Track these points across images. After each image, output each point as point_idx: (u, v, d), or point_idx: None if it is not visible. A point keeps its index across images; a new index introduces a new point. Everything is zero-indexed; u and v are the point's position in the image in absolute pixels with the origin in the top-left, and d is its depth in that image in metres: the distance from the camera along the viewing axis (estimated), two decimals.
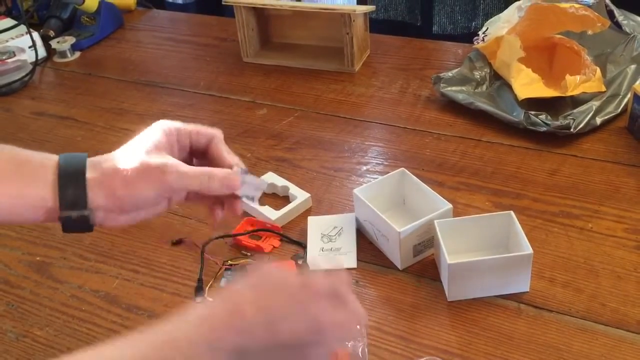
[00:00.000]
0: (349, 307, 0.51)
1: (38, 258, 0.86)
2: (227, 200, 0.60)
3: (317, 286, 0.50)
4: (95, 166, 0.54)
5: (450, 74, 1.11)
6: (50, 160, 0.54)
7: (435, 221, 0.76)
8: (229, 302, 0.49)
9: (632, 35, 1.10)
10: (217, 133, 0.62)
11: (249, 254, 0.83)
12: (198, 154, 0.61)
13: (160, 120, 0.60)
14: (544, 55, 1.11)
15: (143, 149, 0.56)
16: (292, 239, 0.84)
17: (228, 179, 0.57)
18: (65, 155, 0.55)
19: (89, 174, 0.53)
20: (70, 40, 1.40)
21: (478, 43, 1.15)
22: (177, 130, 0.59)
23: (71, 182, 0.53)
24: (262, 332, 0.47)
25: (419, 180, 0.83)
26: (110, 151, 0.57)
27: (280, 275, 0.51)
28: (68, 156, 0.54)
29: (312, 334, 0.49)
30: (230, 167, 0.60)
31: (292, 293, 0.49)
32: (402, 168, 0.86)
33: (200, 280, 0.79)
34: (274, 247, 0.84)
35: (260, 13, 1.30)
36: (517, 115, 0.99)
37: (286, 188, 0.92)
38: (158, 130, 0.58)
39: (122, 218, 0.56)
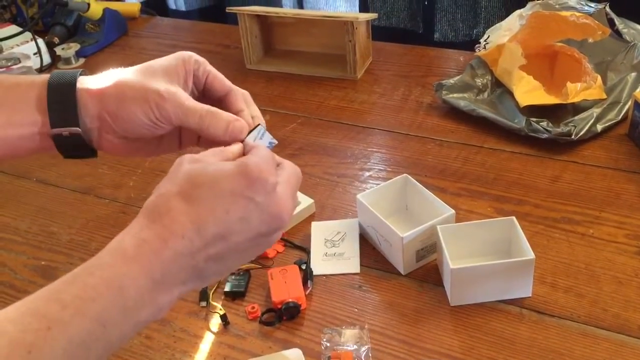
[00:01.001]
0: (284, 172, 0.48)
1: (43, 262, 0.87)
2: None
3: (252, 173, 0.45)
4: (89, 81, 0.50)
5: (452, 81, 1.12)
6: (40, 79, 0.50)
7: (438, 226, 0.76)
8: (164, 226, 0.44)
9: (632, 43, 1.11)
10: (238, 89, 0.55)
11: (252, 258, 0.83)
12: (210, 102, 0.53)
13: (185, 51, 0.54)
14: (545, 63, 1.12)
15: (149, 70, 0.51)
16: (296, 244, 0.85)
17: (234, 125, 0.50)
18: (56, 72, 0.51)
19: (82, 87, 0.49)
20: (74, 47, 1.41)
21: (479, 50, 1.16)
22: (197, 63, 0.53)
23: (61, 97, 0.49)
24: (220, 248, 0.44)
25: (421, 186, 0.84)
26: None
27: (211, 174, 0.46)
28: (59, 72, 0.50)
29: (271, 230, 0.47)
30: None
31: (230, 191, 0.45)
32: (405, 174, 0.86)
33: None
34: (278, 252, 0.84)
35: (263, 20, 1.31)
36: (519, 122, 1.00)
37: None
38: (176, 56, 0.52)
39: (119, 142, 0.51)
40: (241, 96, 0.54)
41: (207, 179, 0.45)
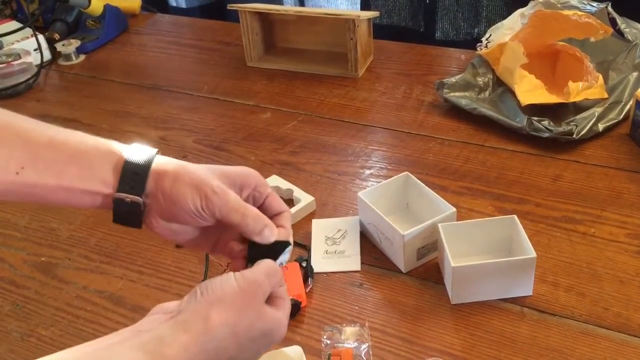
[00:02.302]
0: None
1: (43, 259, 0.87)
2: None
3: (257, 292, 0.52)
4: (163, 162, 0.55)
5: (453, 79, 1.12)
6: (118, 146, 0.55)
7: (439, 224, 0.76)
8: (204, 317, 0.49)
9: (634, 42, 1.11)
10: (288, 209, 0.60)
11: None
12: None
13: (251, 169, 0.59)
14: (547, 62, 1.12)
15: (211, 169, 0.56)
16: (297, 241, 0.85)
17: (269, 229, 0.56)
18: (135, 145, 0.55)
19: (156, 166, 0.54)
20: (75, 43, 1.41)
21: (481, 49, 1.16)
22: (259, 181, 0.58)
23: (136, 168, 0.53)
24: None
25: (423, 184, 0.84)
26: None
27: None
28: (138, 146, 0.55)
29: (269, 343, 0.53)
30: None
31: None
32: (406, 172, 0.86)
33: None
34: None
35: (264, 18, 1.31)
36: (520, 121, 1.00)
37: (290, 191, 0.92)
38: (242, 168, 0.58)
39: (163, 224, 0.55)
40: (290, 217, 0.59)
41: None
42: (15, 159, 0.51)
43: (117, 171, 0.53)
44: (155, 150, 0.55)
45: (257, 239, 0.55)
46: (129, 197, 0.53)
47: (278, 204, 0.58)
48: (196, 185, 0.54)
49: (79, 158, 0.53)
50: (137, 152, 0.54)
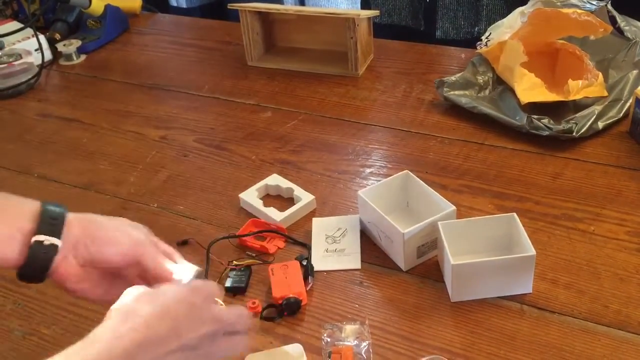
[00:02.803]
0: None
1: None
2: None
3: (199, 290, 0.56)
4: (80, 215, 0.59)
5: (453, 78, 1.12)
6: (32, 200, 0.58)
7: (439, 223, 0.76)
8: (131, 318, 0.52)
9: (634, 40, 1.11)
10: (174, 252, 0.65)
11: (253, 254, 0.83)
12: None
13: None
14: (547, 60, 1.12)
15: (125, 222, 0.63)
16: (297, 240, 0.85)
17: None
18: (48, 201, 0.59)
19: (72, 215, 0.59)
20: (76, 43, 1.41)
21: (481, 48, 1.16)
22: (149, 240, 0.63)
23: (53, 214, 0.57)
24: (173, 341, 0.51)
25: (423, 183, 0.84)
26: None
27: (169, 290, 0.55)
28: (51, 202, 0.59)
29: (211, 331, 0.54)
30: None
31: (184, 299, 0.54)
32: (406, 170, 0.86)
33: None
34: (279, 248, 0.84)
35: (265, 17, 1.31)
36: (520, 119, 1.00)
37: (291, 190, 0.93)
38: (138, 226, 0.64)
39: (75, 269, 0.59)
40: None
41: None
42: None
43: (35, 218, 0.56)
44: (66, 207, 0.59)
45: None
46: (47, 240, 0.56)
47: (166, 248, 0.65)
48: (128, 235, 0.61)
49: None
50: (51, 204, 0.58)
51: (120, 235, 0.60)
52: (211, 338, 0.55)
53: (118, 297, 0.58)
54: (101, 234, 0.59)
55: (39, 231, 0.56)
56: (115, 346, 0.49)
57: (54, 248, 0.56)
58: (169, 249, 0.64)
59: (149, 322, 0.51)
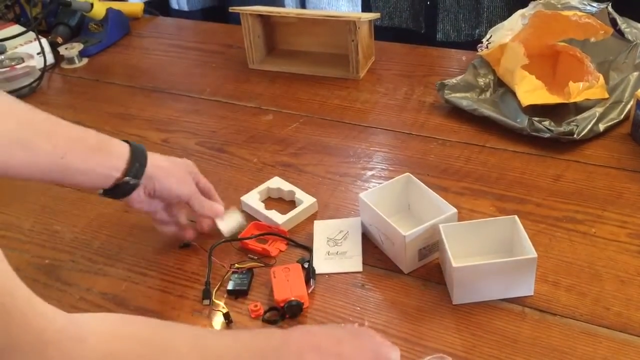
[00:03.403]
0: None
1: (47, 261, 0.87)
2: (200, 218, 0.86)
3: (370, 333, 0.66)
4: (151, 155, 0.78)
5: (454, 80, 1.12)
6: (122, 142, 0.77)
7: (441, 225, 0.76)
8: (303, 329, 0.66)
9: (634, 42, 1.11)
10: (212, 187, 0.87)
11: (255, 257, 0.83)
12: None
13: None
14: (548, 63, 1.12)
15: (181, 163, 0.84)
16: (299, 242, 0.85)
17: (215, 206, 0.85)
18: (132, 142, 0.77)
19: (149, 158, 0.77)
20: (78, 46, 1.41)
21: (482, 50, 1.16)
22: (194, 171, 0.85)
23: (139, 159, 0.76)
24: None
25: (424, 185, 0.84)
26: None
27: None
28: (133, 142, 0.77)
29: None
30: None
31: (350, 331, 0.66)
32: (408, 173, 0.87)
33: (207, 284, 0.79)
34: (281, 250, 0.84)
35: (266, 20, 1.31)
36: (521, 122, 1.00)
37: (292, 193, 0.93)
38: (186, 162, 0.85)
39: (143, 199, 0.79)
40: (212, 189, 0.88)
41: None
42: (60, 148, 0.70)
43: (126, 160, 0.75)
44: (143, 145, 0.78)
45: (211, 215, 0.85)
46: (132, 180, 0.75)
47: (204, 183, 0.85)
48: (180, 181, 0.81)
49: (101, 149, 0.74)
50: (135, 145, 0.77)
51: (176, 183, 0.80)
52: None
53: (164, 212, 0.83)
54: (164, 181, 0.78)
55: (128, 173, 0.75)
56: (289, 346, 0.59)
57: (134, 185, 0.76)
58: (207, 186, 0.85)
59: (318, 334, 0.63)
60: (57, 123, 0.73)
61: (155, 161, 0.78)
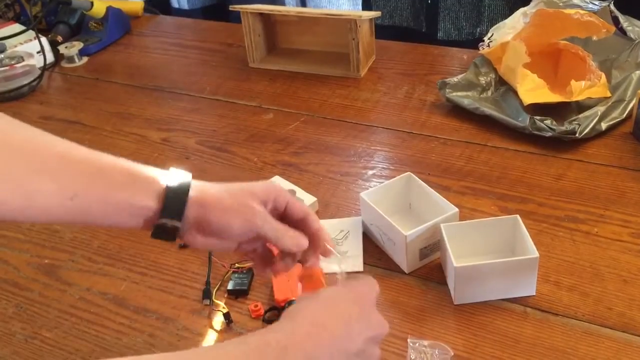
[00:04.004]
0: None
1: (47, 261, 0.87)
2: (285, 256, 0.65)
3: (365, 292, 0.60)
4: (199, 188, 0.60)
5: (455, 79, 1.11)
6: (158, 175, 0.60)
7: (442, 225, 0.76)
8: (308, 318, 0.54)
9: (637, 41, 1.10)
10: (310, 211, 0.65)
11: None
12: (288, 223, 0.63)
13: (271, 182, 0.68)
14: (549, 61, 1.12)
15: (242, 189, 0.62)
16: None
17: (299, 239, 0.62)
18: (174, 170, 0.61)
19: (192, 193, 0.59)
20: (78, 45, 1.41)
21: (483, 49, 1.16)
22: (277, 193, 0.63)
23: (176, 196, 0.58)
24: (344, 341, 0.54)
25: (425, 185, 0.84)
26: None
27: (334, 289, 0.59)
28: (177, 172, 0.61)
29: (378, 335, 0.58)
30: (319, 241, 0.64)
31: (355, 302, 0.58)
32: (409, 172, 0.86)
33: (207, 283, 0.79)
34: None
35: (266, 19, 1.31)
36: (523, 121, 1.00)
37: (293, 192, 0.92)
38: (263, 184, 0.63)
39: (200, 239, 0.60)
40: (317, 219, 0.65)
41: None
42: (69, 187, 0.56)
43: (160, 199, 0.58)
44: (190, 175, 0.60)
45: (294, 250, 0.62)
46: (170, 222, 0.58)
47: (299, 209, 0.63)
48: (241, 211, 0.60)
49: (127, 186, 0.58)
50: (175, 178, 0.60)
51: (231, 217, 0.60)
52: (374, 342, 0.57)
53: (245, 248, 0.63)
54: (213, 219, 0.59)
55: (162, 214, 0.58)
56: (295, 345, 0.51)
57: (175, 229, 0.59)
58: (300, 212, 0.63)
59: (325, 323, 0.54)
60: (69, 154, 0.58)
61: (203, 198, 0.60)
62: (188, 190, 0.59)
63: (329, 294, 0.58)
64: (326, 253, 0.64)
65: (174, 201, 0.58)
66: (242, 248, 0.63)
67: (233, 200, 0.60)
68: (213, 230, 0.60)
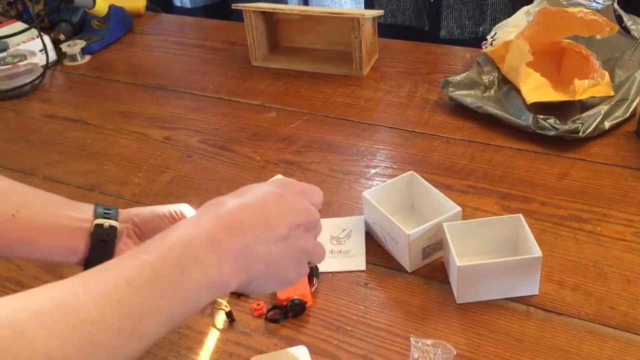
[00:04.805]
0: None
1: None
2: None
3: (293, 184, 0.57)
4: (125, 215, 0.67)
5: (458, 78, 1.11)
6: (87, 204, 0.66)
7: (444, 224, 0.76)
8: (215, 208, 0.51)
9: None
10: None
11: None
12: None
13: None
14: (553, 60, 1.12)
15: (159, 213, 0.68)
16: None
17: None
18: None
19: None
20: (80, 44, 1.41)
21: (486, 47, 1.16)
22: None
23: (107, 207, 0.65)
24: (261, 229, 0.51)
25: (428, 184, 0.83)
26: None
27: (258, 185, 0.56)
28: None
29: (303, 222, 0.54)
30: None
31: (273, 191, 0.54)
32: (411, 171, 0.86)
33: None
34: None
35: (269, 17, 1.31)
36: (526, 119, 1.00)
37: None
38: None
39: (136, 245, 0.64)
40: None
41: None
42: (11, 204, 0.59)
43: (93, 210, 0.64)
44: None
45: None
46: (107, 222, 0.63)
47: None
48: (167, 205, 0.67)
49: (65, 204, 0.64)
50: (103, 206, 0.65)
51: (157, 207, 0.67)
52: (303, 229, 0.54)
53: None
54: (141, 211, 0.66)
55: (97, 216, 0.63)
56: (197, 233, 0.48)
57: (113, 229, 0.63)
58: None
59: (234, 210, 0.50)
60: (7, 182, 0.62)
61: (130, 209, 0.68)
62: (117, 209, 0.66)
63: (247, 187, 0.55)
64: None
65: (107, 208, 0.64)
66: None
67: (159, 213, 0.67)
68: (144, 223, 0.65)
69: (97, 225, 0.62)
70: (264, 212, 0.52)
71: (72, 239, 0.61)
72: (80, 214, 0.62)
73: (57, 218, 0.61)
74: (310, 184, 0.60)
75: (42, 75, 1.33)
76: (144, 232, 0.65)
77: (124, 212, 0.66)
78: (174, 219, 0.66)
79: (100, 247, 0.62)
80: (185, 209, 0.69)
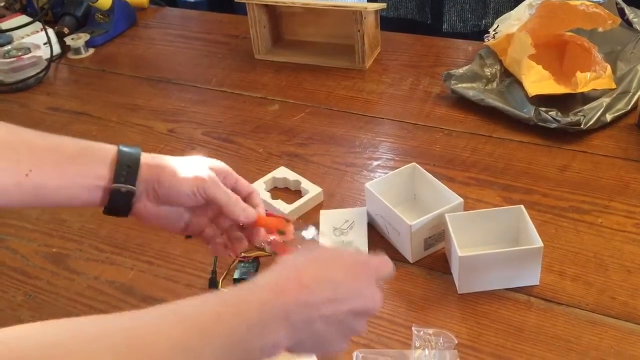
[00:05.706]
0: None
1: (55, 249, 0.88)
2: (247, 232, 0.68)
3: (369, 264, 0.57)
4: (151, 155, 0.63)
5: (460, 70, 1.12)
6: (110, 146, 0.62)
7: (446, 215, 0.77)
8: (294, 275, 0.52)
9: None
10: (255, 189, 0.69)
11: (262, 245, 0.84)
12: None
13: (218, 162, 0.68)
14: (555, 53, 1.12)
15: (195, 159, 0.66)
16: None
17: (249, 210, 0.65)
18: (123, 145, 0.62)
19: (143, 160, 0.62)
20: (84, 37, 1.42)
21: (489, 40, 1.16)
22: (227, 171, 0.67)
23: (128, 161, 0.61)
24: (328, 307, 0.52)
25: (430, 175, 0.84)
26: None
27: (335, 251, 0.59)
28: (126, 145, 0.62)
29: (365, 310, 0.55)
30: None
31: (350, 269, 0.55)
32: (414, 163, 0.87)
33: (213, 272, 0.80)
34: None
35: (272, 10, 1.31)
36: (528, 112, 1.00)
37: (298, 182, 0.93)
38: (215, 160, 0.67)
39: (150, 208, 0.63)
40: (258, 195, 0.69)
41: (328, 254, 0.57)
42: (24, 163, 0.57)
43: (113, 164, 0.60)
44: (140, 148, 0.63)
45: (242, 219, 0.65)
46: (124, 187, 0.60)
47: (246, 186, 0.68)
48: (191, 176, 0.62)
49: (80, 156, 0.60)
50: (126, 148, 0.62)
51: (181, 179, 0.62)
52: (360, 316, 0.55)
53: (202, 228, 0.67)
54: (165, 179, 0.62)
55: (116, 180, 0.60)
56: (276, 303, 0.49)
57: (130, 194, 0.61)
58: (248, 189, 0.67)
59: (309, 283, 0.52)
60: (20, 136, 0.60)
61: (155, 161, 0.63)
62: (139, 154, 0.62)
63: (326, 254, 0.57)
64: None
65: (128, 163, 0.61)
66: (193, 225, 0.67)
67: (185, 164, 0.64)
68: (164, 194, 0.62)
69: (114, 189, 0.60)
70: (335, 288, 0.53)
71: (88, 197, 0.61)
72: (97, 170, 0.60)
73: (72, 177, 0.59)
74: (382, 257, 0.59)
75: (47, 68, 1.33)
76: (163, 201, 0.63)
77: (146, 169, 0.62)
78: (196, 199, 0.63)
79: (117, 206, 0.62)
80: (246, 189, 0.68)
